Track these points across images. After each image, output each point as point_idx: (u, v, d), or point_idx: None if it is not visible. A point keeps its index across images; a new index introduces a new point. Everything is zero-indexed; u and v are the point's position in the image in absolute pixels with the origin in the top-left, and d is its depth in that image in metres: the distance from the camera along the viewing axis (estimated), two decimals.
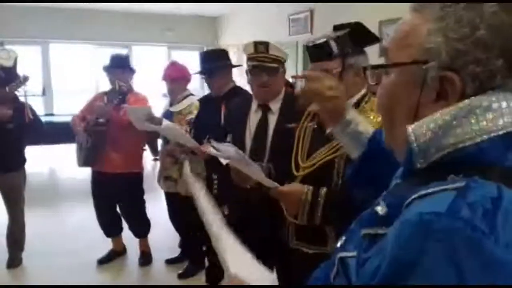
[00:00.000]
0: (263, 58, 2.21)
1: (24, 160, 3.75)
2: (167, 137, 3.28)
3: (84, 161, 3.60)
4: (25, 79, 3.50)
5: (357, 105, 1.65)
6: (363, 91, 1.69)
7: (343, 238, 0.81)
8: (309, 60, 1.70)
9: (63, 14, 8.99)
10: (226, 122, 2.63)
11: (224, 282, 0.91)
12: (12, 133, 3.44)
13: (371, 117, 1.58)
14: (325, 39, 1.59)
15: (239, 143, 2.29)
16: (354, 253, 0.72)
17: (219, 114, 2.91)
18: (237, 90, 3.11)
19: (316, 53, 1.62)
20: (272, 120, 2.25)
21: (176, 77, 3.45)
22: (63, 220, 5.01)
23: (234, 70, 3.22)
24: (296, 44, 7.46)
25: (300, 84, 7.32)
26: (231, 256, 1.01)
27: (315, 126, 1.79)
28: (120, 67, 3.60)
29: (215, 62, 3.06)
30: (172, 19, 9.86)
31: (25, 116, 3.48)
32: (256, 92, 2.32)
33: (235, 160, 1.80)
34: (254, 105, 2.34)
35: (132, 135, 3.36)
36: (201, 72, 3.22)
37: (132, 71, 3.73)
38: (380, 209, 0.70)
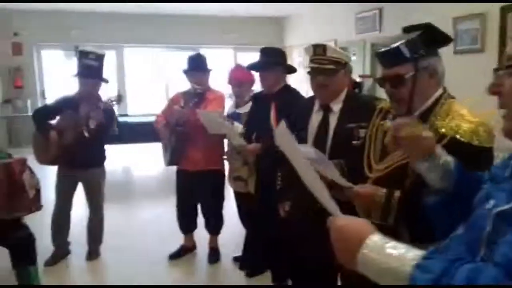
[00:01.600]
0: (320, 60, 2.29)
1: (104, 158, 3.98)
2: (204, 124, 3.36)
3: (169, 161, 3.78)
4: (120, 98, 3.86)
5: (430, 109, 1.62)
6: (437, 94, 1.65)
7: (491, 201, 0.92)
8: (380, 65, 1.70)
9: (136, 20, 9.44)
10: (288, 122, 2.65)
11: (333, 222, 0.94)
12: (93, 132, 3.64)
13: (464, 117, 1.52)
14: (396, 45, 1.58)
15: (300, 143, 2.33)
16: (511, 205, 0.85)
17: (269, 112, 2.93)
18: (289, 89, 3.17)
19: (388, 58, 1.63)
20: (333, 120, 2.31)
21: (241, 80, 3.54)
22: (137, 216, 5.26)
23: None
24: (364, 42, 7.31)
25: (367, 84, 7.19)
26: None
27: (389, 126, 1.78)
28: (201, 69, 3.72)
29: (269, 58, 3.11)
30: (238, 21, 10.03)
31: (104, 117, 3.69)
32: (315, 93, 2.42)
33: (311, 159, 1.80)
34: (316, 106, 2.41)
35: (209, 134, 3.47)
36: (254, 67, 3.26)
37: (209, 71, 3.84)
38: None
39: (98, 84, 3.73)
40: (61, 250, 3.93)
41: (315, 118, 2.39)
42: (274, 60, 3.12)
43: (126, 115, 8.83)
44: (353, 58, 6.95)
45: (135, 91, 10.29)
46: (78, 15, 9.11)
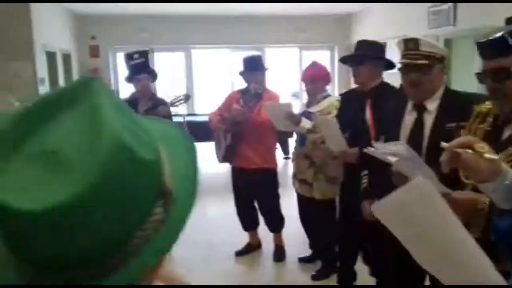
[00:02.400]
0: (413, 56, 2.10)
1: None
2: (322, 133, 3.19)
3: (223, 158, 3.83)
4: (187, 97, 3.98)
5: None
6: None
7: None
8: (481, 58, 1.55)
9: (203, 21, 9.67)
10: (379, 123, 2.53)
11: None
12: None
13: None
14: (500, 34, 1.44)
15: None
16: None
17: (363, 111, 2.78)
18: (385, 86, 2.91)
19: (491, 49, 1.48)
20: (429, 120, 2.12)
21: (316, 77, 3.40)
22: (205, 213, 5.39)
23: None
24: (437, 38, 6.97)
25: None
26: None
27: (489, 129, 1.62)
28: (254, 69, 3.72)
29: (367, 51, 2.87)
30: (304, 19, 9.96)
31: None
32: (407, 92, 2.21)
33: (404, 158, 1.68)
34: (409, 105, 2.22)
35: (265, 133, 3.47)
36: (347, 59, 3.08)
37: (265, 70, 3.85)
38: None
39: (149, 80, 3.89)
40: None
41: (408, 119, 2.20)
42: (372, 54, 2.85)
43: (194, 114, 9.07)
44: None
45: (203, 91, 10.55)
46: (149, 18, 9.49)
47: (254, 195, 3.88)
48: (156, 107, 3.77)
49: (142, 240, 0.54)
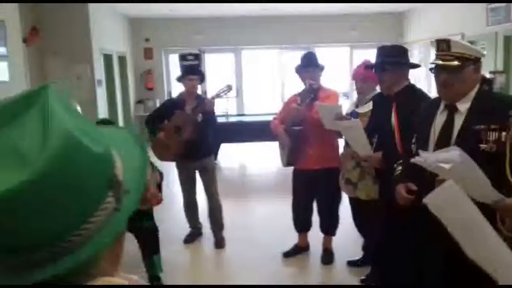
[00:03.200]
0: (444, 56, 2.10)
1: (213, 147, 4.29)
2: (345, 137, 3.26)
3: (287, 161, 3.84)
4: (230, 87, 4.10)
5: None
6: None
7: None
8: None
9: (252, 22, 9.75)
10: (408, 125, 2.51)
11: None
12: (202, 126, 3.96)
13: None
14: None
15: (422, 145, 2.20)
16: None
17: (390, 114, 2.77)
18: (412, 88, 2.92)
19: None
20: (458, 121, 2.11)
21: (367, 76, 3.38)
22: (252, 213, 5.43)
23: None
24: (495, 35, 6.66)
25: (500, 81, 6.52)
26: None
27: None
28: (311, 65, 3.73)
29: (389, 57, 2.89)
30: (355, 18, 9.81)
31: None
32: (438, 92, 2.22)
33: (458, 164, 1.63)
34: (441, 106, 2.21)
35: (325, 131, 3.44)
36: (372, 67, 3.09)
37: (322, 68, 3.84)
38: None
39: (197, 81, 4.08)
40: (195, 231, 4.45)
41: (439, 119, 2.19)
42: (394, 60, 2.89)
43: (243, 114, 9.17)
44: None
45: (252, 91, 10.64)
46: (200, 21, 9.69)
47: (315, 195, 3.85)
48: (201, 105, 3.94)
49: (95, 225, 0.60)
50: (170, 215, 4.90)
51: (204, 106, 3.90)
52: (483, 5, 6.90)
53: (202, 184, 4.28)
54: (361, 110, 3.37)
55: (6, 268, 0.58)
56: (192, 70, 4.07)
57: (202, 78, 4.16)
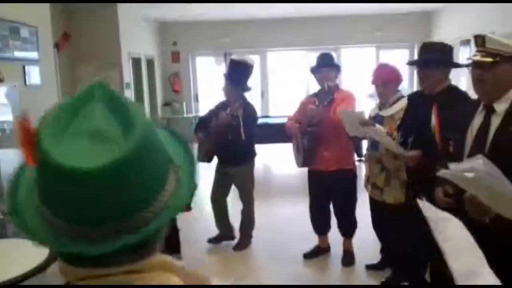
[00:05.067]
0: (479, 52, 2.05)
1: (253, 154, 4.25)
2: (377, 139, 3.20)
3: (302, 163, 3.84)
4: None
5: None
6: None
7: None
8: None
9: (277, 24, 9.78)
10: (446, 126, 2.45)
11: None
12: (242, 128, 3.93)
13: None
14: None
15: (458, 147, 2.16)
16: None
17: (429, 114, 2.68)
18: (454, 89, 2.82)
19: None
20: (495, 122, 2.03)
21: (386, 80, 3.26)
22: (276, 213, 5.46)
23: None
24: None
25: None
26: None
27: None
28: (326, 65, 3.73)
29: (433, 54, 2.81)
30: (381, 18, 9.71)
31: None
32: (474, 89, 2.15)
33: (482, 173, 1.55)
34: (481, 106, 2.15)
35: (342, 133, 3.42)
36: (414, 63, 3.02)
37: (338, 68, 3.83)
38: None
39: (242, 91, 4.06)
40: (224, 234, 4.40)
41: (477, 120, 2.13)
42: (438, 58, 2.80)
43: (267, 116, 9.21)
44: None
45: (277, 93, 10.67)
46: (226, 24, 9.80)
47: (330, 197, 3.84)
48: (242, 109, 3.96)
49: (168, 194, 0.70)
50: (201, 218, 4.94)
51: (233, 109, 3.88)
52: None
53: (238, 192, 4.30)
54: (384, 113, 3.29)
55: (86, 239, 0.65)
56: (239, 80, 4.02)
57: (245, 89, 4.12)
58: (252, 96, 8.23)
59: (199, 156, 4.14)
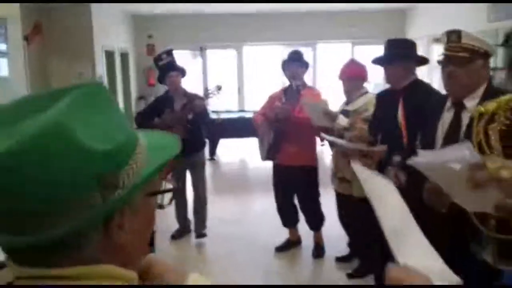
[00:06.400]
0: (453, 48, 2.02)
1: (203, 143, 4.35)
2: (309, 114, 3.27)
3: (266, 155, 3.92)
4: (219, 88, 4.11)
5: None
6: None
7: None
8: None
9: (254, 19, 9.77)
10: (413, 121, 2.48)
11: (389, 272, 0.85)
12: (190, 123, 3.98)
13: None
14: None
15: (429, 143, 2.15)
16: None
17: (396, 109, 2.73)
18: (420, 83, 2.85)
19: None
20: (466, 119, 2.01)
21: (352, 76, 3.40)
22: (249, 207, 5.50)
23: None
24: (496, 32, 6.64)
25: (499, 77, 6.51)
26: (407, 249, 0.99)
27: (503, 128, 1.54)
28: (295, 61, 3.80)
29: (397, 49, 2.82)
30: (356, 14, 9.80)
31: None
32: (444, 85, 2.14)
33: (464, 161, 1.43)
34: (449, 103, 2.14)
35: (306, 130, 3.50)
36: (378, 60, 3.02)
37: (306, 66, 3.89)
38: None
39: (178, 76, 4.06)
40: (183, 227, 4.43)
41: (446, 116, 2.12)
42: (400, 52, 2.81)
43: (243, 110, 9.22)
44: None
45: (253, 88, 10.67)
46: (202, 17, 9.73)
47: (295, 192, 3.93)
48: (191, 102, 3.95)
49: (76, 211, 0.62)
50: (159, 212, 4.88)
51: (193, 106, 3.92)
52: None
53: (190, 179, 4.30)
54: (351, 107, 3.38)
55: (6, 230, 0.62)
56: (169, 68, 4.04)
57: (183, 73, 4.14)
58: (230, 91, 8.23)
59: None
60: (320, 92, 3.88)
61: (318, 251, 3.94)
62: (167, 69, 4.04)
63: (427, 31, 8.63)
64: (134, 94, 9.72)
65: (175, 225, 4.43)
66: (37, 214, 0.61)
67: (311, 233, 4.02)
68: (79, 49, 7.07)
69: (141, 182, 0.67)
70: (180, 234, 4.41)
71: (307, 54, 9.91)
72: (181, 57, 10.61)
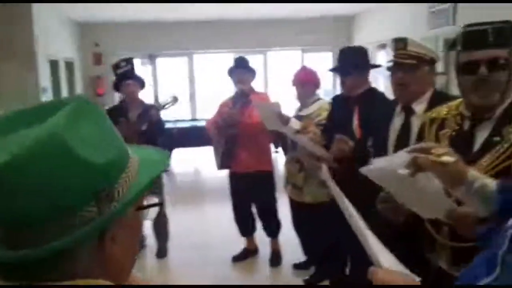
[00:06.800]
0: (401, 55, 2.11)
1: None
2: (291, 138, 3.26)
3: (221, 164, 3.86)
4: (175, 99, 3.97)
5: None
6: None
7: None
8: (466, 47, 1.47)
9: (204, 26, 9.71)
10: (367, 127, 2.53)
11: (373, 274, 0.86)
12: (145, 134, 3.83)
13: None
14: (499, 25, 1.42)
15: (381, 148, 2.19)
16: None
17: (351, 116, 2.78)
18: (373, 91, 2.93)
19: (486, 37, 1.42)
20: (415, 123, 2.07)
21: (305, 82, 3.43)
22: (205, 217, 5.42)
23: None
24: (436, 38, 6.95)
25: (440, 82, 6.78)
26: (380, 253, 1.00)
27: (453, 134, 1.56)
28: (241, 67, 3.80)
29: (351, 59, 2.88)
30: (306, 22, 9.96)
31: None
32: (394, 91, 2.22)
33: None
34: (398, 108, 2.21)
35: (258, 135, 3.49)
36: (335, 70, 3.11)
37: (253, 72, 3.88)
38: None
39: (136, 86, 3.95)
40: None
41: (397, 121, 2.18)
42: (357, 62, 2.87)
43: (195, 119, 9.12)
44: None
45: (205, 96, 10.60)
46: (151, 24, 9.55)
47: (251, 199, 3.89)
48: (147, 112, 3.82)
49: (77, 222, 0.62)
50: None
51: (149, 116, 3.80)
52: (425, 9, 7.19)
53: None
54: (304, 112, 3.40)
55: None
56: (127, 76, 3.92)
57: (141, 83, 4.03)
58: (181, 99, 8.11)
59: None
60: (268, 96, 3.89)
61: (276, 259, 3.92)
62: (125, 77, 3.91)
63: (372, 37, 8.90)
64: None
65: None
66: (32, 227, 0.61)
67: (268, 241, 3.99)
68: (21, 58, 6.72)
69: (135, 195, 0.68)
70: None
71: (258, 61, 10.01)
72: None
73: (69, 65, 8.72)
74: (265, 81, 10.32)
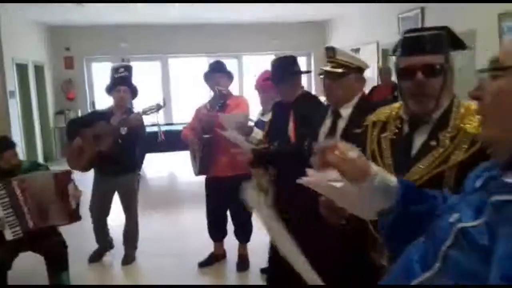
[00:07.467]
0: (331, 63, 2.27)
1: (136, 164, 4.09)
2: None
3: (199, 170, 3.80)
4: (159, 107, 3.92)
5: (449, 110, 1.50)
6: (452, 94, 1.52)
7: (456, 214, 0.89)
8: (403, 52, 1.50)
9: (178, 30, 9.69)
10: (300, 130, 2.65)
11: None
12: (125, 139, 3.79)
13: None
14: (435, 32, 1.46)
15: (311, 150, 2.27)
16: (475, 223, 0.83)
17: (287, 120, 2.89)
18: (306, 96, 3.05)
19: (424, 44, 1.46)
20: (341, 125, 2.27)
21: (266, 87, 3.44)
22: (175, 223, 5.35)
23: None
24: None
25: None
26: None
27: (393, 137, 1.59)
28: (218, 71, 3.76)
29: (281, 70, 2.99)
30: (279, 27, 10.03)
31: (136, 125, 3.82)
32: (325, 96, 2.41)
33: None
34: (329, 111, 2.37)
35: None
36: (268, 79, 3.19)
37: (230, 76, 3.86)
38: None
39: (127, 93, 3.92)
40: (103, 246, 4.17)
41: (326, 124, 2.35)
42: (287, 72, 2.97)
43: (171, 123, 9.04)
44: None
45: (179, 100, 10.53)
46: (124, 28, 9.47)
47: (227, 203, 3.83)
48: (127, 118, 3.78)
49: None
50: (79, 229, 4.54)
51: (130, 120, 3.75)
52: (395, 15, 7.32)
53: (120, 202, 4.09)
54: (266, 118, 3.42)
55: None
56: (122, 82, 3.90)
57: (133, 92, 3.99)
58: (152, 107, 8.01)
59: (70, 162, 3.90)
60: (246, 100, 3.83)
61: (243, 263, 3.90)
62: (120, 82, 3.89)
63: (346, 42, 9.01)
64: (52, 109, 9.20)
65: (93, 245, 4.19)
66: None
67: (235, 246, 3.97)
68: None
69: None
70: (99, 255, 4.15)
71: (233, 66, 10.01)
72: (101, 69, 10.25)
73: (39, 69, 8.57)
74: (240, 85, 10.33)
